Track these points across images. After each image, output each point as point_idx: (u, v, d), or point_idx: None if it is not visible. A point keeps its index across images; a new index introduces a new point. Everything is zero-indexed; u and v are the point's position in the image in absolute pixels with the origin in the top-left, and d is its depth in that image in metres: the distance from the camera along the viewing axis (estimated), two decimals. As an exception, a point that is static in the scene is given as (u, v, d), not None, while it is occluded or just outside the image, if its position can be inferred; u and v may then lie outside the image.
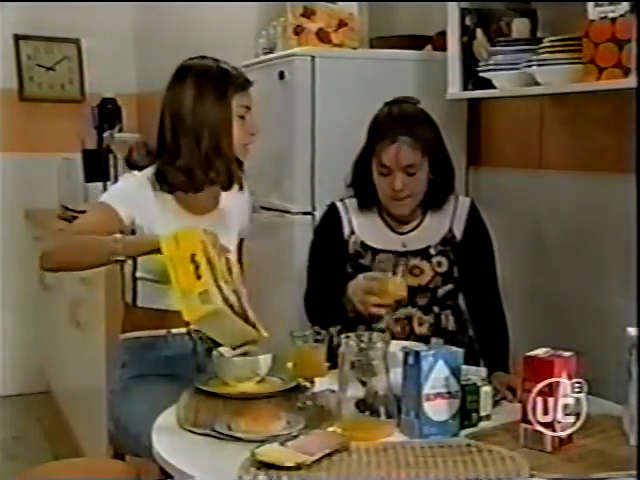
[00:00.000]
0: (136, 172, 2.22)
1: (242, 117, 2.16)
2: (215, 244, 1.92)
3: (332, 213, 2.39)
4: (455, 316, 2.36)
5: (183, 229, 1.89)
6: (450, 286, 2.33)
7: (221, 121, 2.13)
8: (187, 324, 2.21)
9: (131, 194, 2.16)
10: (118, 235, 2.00)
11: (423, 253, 2.31)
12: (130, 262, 2.16)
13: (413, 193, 2.26)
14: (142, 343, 2.23)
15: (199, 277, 1.80)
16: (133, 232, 2.14)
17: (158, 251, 1.89)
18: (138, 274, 2.20)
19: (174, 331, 2.21)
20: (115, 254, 1.97)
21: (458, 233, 2.33)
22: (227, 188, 2.26)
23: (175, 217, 2.17)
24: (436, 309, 2.33)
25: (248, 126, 2.18)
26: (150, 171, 2.21)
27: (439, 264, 2.31)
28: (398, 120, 2.25)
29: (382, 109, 2.31)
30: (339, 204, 2.39)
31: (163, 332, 2.22)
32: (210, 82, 2.15)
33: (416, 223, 2.35)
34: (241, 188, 2.33)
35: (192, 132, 2.14)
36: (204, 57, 2.23)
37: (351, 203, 2.39)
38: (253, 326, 1.91)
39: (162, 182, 2.19)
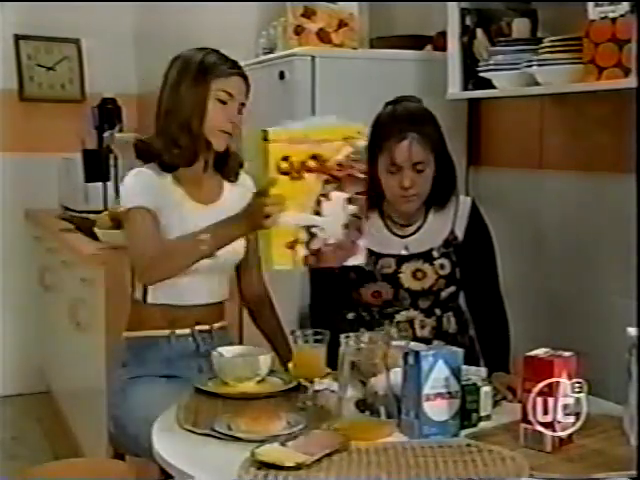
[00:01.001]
0: (143, 169, 2.23)
1: (223, 102, 2.19)
2: None
3: None
4: (456, 317, 2.36)
5: None
6: (453, 288, 2.33)
7: (194, 102, 2.18)
8: (197, 323, 2.23)
9: (148, 187, 2.18)
10: (199, 231, 2.02)
11: (426, 256, 2.30)
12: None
13: (420, 190, 2.25)
14: (145, 342, 2.23)
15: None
16: None
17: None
18: None
19: (178, 332, 2.22)
20: (204, 250, 2.01)
21: (460, 233, 2.33)
22: (226, 175, 2.30)
23: (183, 205, 2.21)
24: (438, 312, 2.32)
25: (228, 113, 2.19)
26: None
27: (442, 266, 2.30)
28: (405, 117, 2.24)
29: (385, 108, 2.31)
30: None
31: (167, 332, 2.22)
32: (190, 67, 2.21)
33: (418, 225, 2.34)
34: (234, 180, 2.33)
35: (168, 112, 2.21)
36: (203, 48, 2.26)
37: None
38: None
39: (158, 162, 2.22)
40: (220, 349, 2.04)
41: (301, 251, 1.76)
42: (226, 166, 2.31)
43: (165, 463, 1.65)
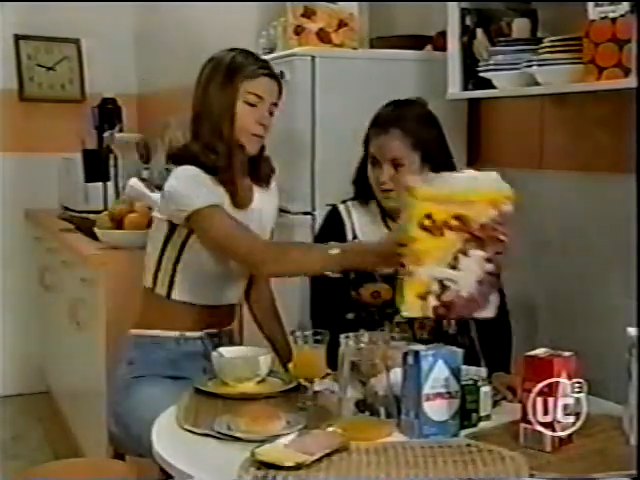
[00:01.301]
0: (188, 166, 2.18)
1: (252, 105, 2.17)
2: None
3: (335, 217, 2.37)
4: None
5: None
6: None
7: (223, 105, 2.16)
8: (207, 326, 2.22)
9: (207, 186, 2.14)
10: (336, 248, 1.99)
11: None
12: (173, 254, 2.17)
13: (400, 188, 2.25)
14: (153, 342, 2.22)
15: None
16: None
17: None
18: (180, 265, 2.19)
19: (188, 334, 2.22)
20: (329, 265, 2.00)
21: None
22: (258, 181, 2.29)
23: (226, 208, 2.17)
24: None
25: (258, 115, 2.18)
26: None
27: None
28: (391, 113, 2.27)
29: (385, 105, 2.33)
30: (341, 207, 2.37)
31: (176, 334, 2.21)
32: (219, 69, 2.19)
33: None
34: (266, 186, 2.33)
35: (198, 115, 2.20)
36: (236, 49, 2.25)
37: (354, 206, 2.37)
38: None
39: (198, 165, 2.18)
40: (220, 349, 2.04)
41: (432, 301, 1.77)
42: (258, 171, 2.29)
43: (165, 463, 1.65)
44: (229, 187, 2.18)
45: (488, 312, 1.81)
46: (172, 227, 2.17)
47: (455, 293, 1.76)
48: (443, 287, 1.78)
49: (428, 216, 1.74)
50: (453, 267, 1.78)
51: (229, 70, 2.18)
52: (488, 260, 1.80)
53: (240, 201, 2.21)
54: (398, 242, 1.83)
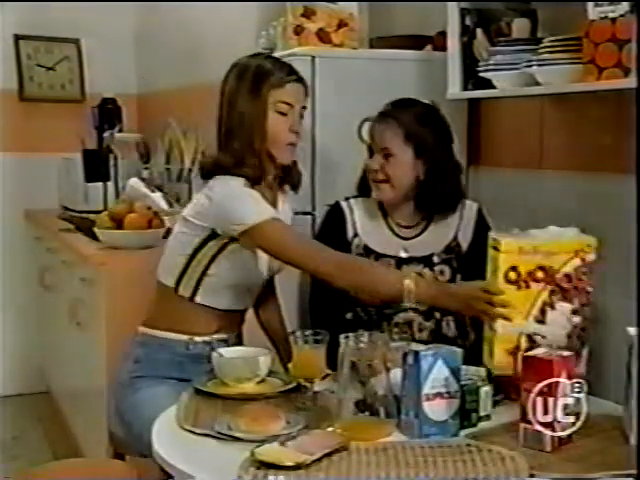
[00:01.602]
0: (234, 178, 2.14)
1: (283, 114, 2.15)
2: None
3: (336, 213, 2.38)
4: (457, 322, 2.34)
5: None
6: None
7: (253, 116, 2.13)
8: (217, 331, 2.22)
9: (260, 199, 2.13)
10: (411, 278, 1.97)
11: (426, 261, 2.29)
12: (204, 261, 2.16)
13: (389, 178, 2.26)
14: (161, 343, 2.22)
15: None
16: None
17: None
18: (210, 272, 2.18)
19: (197, 339, 2.21)
20: (401, 292, 1.96)
21: (464, 242, 2.31)
22: (291, 188, 2.30)
23: None
24: (437, 315, 2.31)
25: (289, 124, 2.16)
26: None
27: (442, 273, 2.29)
28: (392, 106, 2.30)
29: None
30: (344, 204, 2.38)
31: (186, 337, 2.21)
32: (246, 77, 2.16)
33: (421, 229, 2.34)
34: (296, 191, 2.34)
35: (231, 129, 2.17)
36: (259, 54, 2.26)
37: (356, 203, 2.37)
38: None
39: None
40: (220, 349, 2.04)
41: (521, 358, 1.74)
42: (290, 177, 2.29)
43: (165, 463, 1.65)
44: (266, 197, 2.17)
45: (580, 368, 1.78)
46: (212, 235, 2.15)
47: (545, 349, 1.72)
48: (532, 342, 1.77)
49: (513, 268, 1.74)
50: (540, 321, 1.77)
51: (256, 79, 2.15)
52: (575, 312, 1.79)
53: None
54: (482, 289, 1.83)
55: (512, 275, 1.74)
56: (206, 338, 2.22)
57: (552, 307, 1.76)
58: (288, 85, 2.16)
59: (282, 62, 2.23)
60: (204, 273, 2.18)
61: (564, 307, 1.78)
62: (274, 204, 2.24)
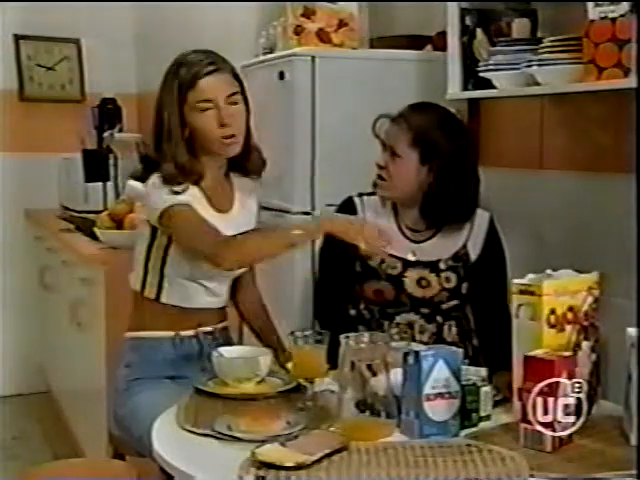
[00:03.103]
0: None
1: (204, 110, 2.09)
2: None
3: (349, 208, 2.36)
4: (459, 327, 2.33)
5: None
6: (456, 301, 2.30)
7: (177, 124, 2.11)
8: (198, 325, 2.23)
9: (180, 187, 2.13)
10: (294, 226, 2.13)
11: (432, 266, 2.28)
12: (159, 257, 2.18)
13: (393, 178, 2.25)
14: (149, 344, 2.22)
15: None
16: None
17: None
18: (167, 270, 2.19)
19: (182, 333, 2.22)
20: (294, 241, 2.08)
21: (473, 252, 2.29)
22: (248, 174, 2.28)
23: (207, 212, 2.15)
24: (439, 319, 2.30)
25: (216, 118, 2.10)
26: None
27: (447, 280, 2.28)
28: (409, 107, 2.29)
29: None
30: (357, 200, 2.36)
31: (171, 334, 2.21)
32: (166, 84, 2.14)
33: (431, 233, 2.32)
34: (257, 177, 2.31)
35: (160, 135, 2.15)
36: (196, 51, 2.19)
37: (369, 201, 2.36)
38: None
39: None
40: (220, 349, 2.04)
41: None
42: (247, 164, 2.25)
43: (165, 463, 1.65)
44: (210, 190, 2.17)
45: (595, 407, 1.78)
46: (154, 230, 2.17)
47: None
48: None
49: (552, 312, 1.72)
50: None
51: (168, 84, 2.12)
52: (592, 349, 1.79)
53: (220, 205, 2.20)
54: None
55: (552, 319, 1.73)
56: (190, 332, 2.22)
57: (579, 347, 1.76)
58: (201, 82, 2.08)
59: (195, 58, 2.12)
60: (162, 272, 2.19)
61: (587, 345, 1.78)
62: (228, 199, 2.23)
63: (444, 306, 2.30)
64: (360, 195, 2.36)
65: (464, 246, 2.30)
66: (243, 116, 2.16)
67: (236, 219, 2.23)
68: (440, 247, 2.30)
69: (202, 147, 2.14)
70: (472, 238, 2.31)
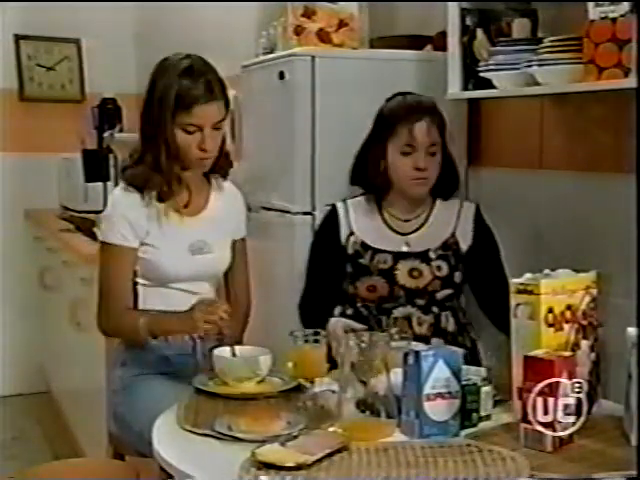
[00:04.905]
0: (120, 189, 2.24)
1: (190, 133, 2.11)
2: None
3: (331, 216, 2.40)
4: (455, 318, 2.36)
5: None
6: (449, 290, 2.33)
7: (161, 136, 2.12)
8: None
9: (120, 218, 2.17)
10: (145, 315, 2.15)
11: (423, 256, 2.32)
12: (130, 270, 2.21)
13: (431, 175, 2.30)
14: (142, 343, 2.22)
15: None
16: None
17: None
18: (139, 280, 2.22)
19: None
20: (142, 332, 2.13)
21: (463, 242, 2.34)
22: (212, 173, 2.28)
23: (164, 220, 2.18)
24: (435, 309, 2.33)
25: (198, 141, 2.12)
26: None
27: (439, 268, 2.31)
28: (417, 103, 2.32)
29: (391, 100, 2.36)
30: (339, 205, 2.40)
31: None
32: (154, 98, 2.14)
33: (420, 223, 2.35)
34: (224, 177, 2.33)
35: (143, 142, 2.19)
36: (188, 56, 2.22)
37: (353, 203, 2.39)
38: None
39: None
40: (220, 349, 2.04)
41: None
42: (217, 166, 2.27)
43: (165, 463, 1.65)
44: (178, 197, 2.20)
45: (596, 406, 1.77)
46: None
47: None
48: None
49: (550, 310, 1.73)
50: None
51: (161, 101, 2.12)
52: (591, 348, 1.79)
53: (192, 208, 2.23)
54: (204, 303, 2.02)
55: (550, 318, 1.73)
56: None
57: (578, 346, 1.76)
58: (197, 108, 2.09)
59: (192, 80, 2.11)
60: (134, 281, 2.22)
61: (586, 345, 1.78)
62: (202, 201, 2.26)
63: (438, 295, 2.32)
64: (344, 200, 2.40)
65: (453, 235, 2.35)
66: (221, 137, 2.20)
67: (212, 218, 2.26)
68: (429, 237, 2.34)
69: (176, 155, 2.15)
70: (460, 227, 2.36)
